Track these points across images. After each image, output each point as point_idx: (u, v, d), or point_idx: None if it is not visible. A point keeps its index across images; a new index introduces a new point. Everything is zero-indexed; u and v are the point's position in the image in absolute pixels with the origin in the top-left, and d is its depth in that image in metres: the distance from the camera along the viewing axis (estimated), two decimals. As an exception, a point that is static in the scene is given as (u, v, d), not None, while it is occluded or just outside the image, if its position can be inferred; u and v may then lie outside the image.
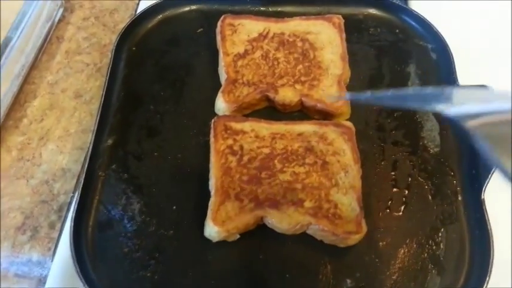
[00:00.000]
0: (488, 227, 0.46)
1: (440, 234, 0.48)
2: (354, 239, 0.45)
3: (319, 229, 0.45)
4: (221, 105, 0.55)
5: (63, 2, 0.69)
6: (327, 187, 0.47)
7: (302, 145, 0.51)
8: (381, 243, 0.47)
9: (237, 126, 0.52)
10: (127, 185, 0.51)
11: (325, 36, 0.60)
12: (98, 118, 0.53)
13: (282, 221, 0.45)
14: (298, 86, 0.56)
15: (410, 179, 0.51)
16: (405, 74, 0.60)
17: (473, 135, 0.25)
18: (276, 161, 0.49)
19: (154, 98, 0.58)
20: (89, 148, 0.51)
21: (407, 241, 0.47)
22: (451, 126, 0.55)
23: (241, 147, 0.50)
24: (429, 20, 0.63)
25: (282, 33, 0.60)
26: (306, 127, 0.52)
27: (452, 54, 0.59)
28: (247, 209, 0.46)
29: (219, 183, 0.47)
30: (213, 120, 0.52)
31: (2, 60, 0.56)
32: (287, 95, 0.55)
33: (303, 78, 0.56)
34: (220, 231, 0.45)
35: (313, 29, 0.61)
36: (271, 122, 0.53)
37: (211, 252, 0.46)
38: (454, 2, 0.69)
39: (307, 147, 0.50)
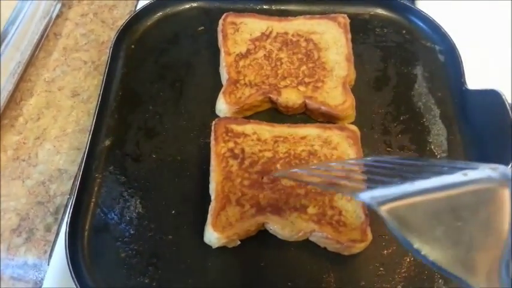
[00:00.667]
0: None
1: (447, 243, 0.46)
2: (359, 247, 0.43)
3: (322, 236, 0.44)
4: (222, 106, 0.53)
5: (61, -3, 0.67)
6: (331, 193, 0.46)
7: (305, 149, 0.49)
8: (385, 251, 0.46)
9: (238, 128, 0.51)
10: (124, 188, 0.49)
11: (330, 36, 0.58)
12: (95, 118, 0.52)
13: (284, 227, 0.44)
14: (301, 88, 0.54)
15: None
16: (412, 76, 0.58)
17: (385, 218, 0.27)
18: (278, 165, 0.48)
19: (153, 98, 0.56)
20: (85, 149, 0.50)
21: (413, 249, 0.46)
22: (459, 132, 0.54)
23: (243, 151, 0.49)
24: (437, 21, 0.61)
25: (286, 33, 0.59)
26: (309, 130, 0.51)
27: (460, 56, 0.57)
28: (248, 214, 0.45)
29: (220, 188, 0.46)
30: (213, 122, 0.51)
31: (-3, 57, 0.54)
32: (290, 96, 0.53)
33: (306, 80, 0.55)
34: (220, 237, 0.43)
35: (317, 29, 0.59)
36: (273, 125, 0.52)
37: (211, 258, 0.45)
38: (462, 3, 0.68)
39: (311, 151, 0.49)
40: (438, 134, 0.54)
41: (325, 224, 0.44)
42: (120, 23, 0.62)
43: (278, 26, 0.59)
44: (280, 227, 0.44)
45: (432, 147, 0.53)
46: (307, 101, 0.53)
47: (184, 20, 0.63)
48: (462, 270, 0.27)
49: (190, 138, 0.53)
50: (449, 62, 0.59)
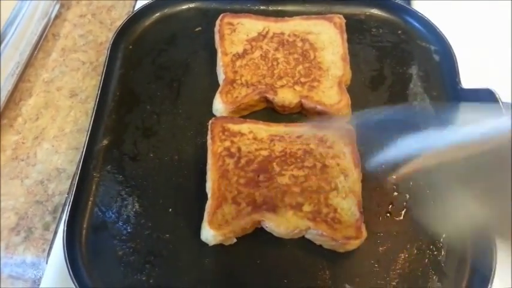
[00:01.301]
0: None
1: (441, 240, 0.47)
2: (354, 244, 0.44)
3: (318, 234, 0.44)
4: (219, 106, 0.54)
5: (60, -2, 0.68)
6: (326, 191, 0.46)
7: (301, 148, 0.50)
8: (380, 248, 0.46)
9: (234, 127, 0.51)
10: (122, 187, 0.50)
11: (326, 36, 0.59)
12: (93, 118, 0.52)
13: (280, 225, 0.44)
14: (297, 87, 0.55)
15: (411, 184, 0.50)
16: (407, 75, 0.59)
17: None
18: (274, 163, 0.48)
19: (151, 98, 0.57)
20: (83, 148, 0.50)
21: (408, 246, 0.46)
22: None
23: (239, 150, 0.49)
24: (432, 21, 0.61)
25: (282, 33, 0.59)
26: (305, 129, 0.51)
27: (455, 56, 0.58)
28: (244, 212, 0.45)
29: (216, 186, 0.47)
30: (210, 122, 0.51)
31: (-4, 58, 0.55)
32: (286, 96, 0.54)
33: (302, 79, 0.55)
34: (217, 235, 0.44)
35: (313, 29, 0.60)
36: (269, 124, 0.52)
37: (208, 256, 0.46)
38: (457, 3, 0.68)
39: (306, 149, 0.49)
40: (433, 133, 0.54)
41: (321, 222, 0.44)
42: (118, 23, 0.62)
43: (274, 26, 0.60)
44: (276, 225, 0.44)
45: (427, 145, 0.53)
46: (303, 100, 0.54)
47: (181, 21, 0.64)
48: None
49: (188, 137, 0.54)
50: (444, 62, 0.59)
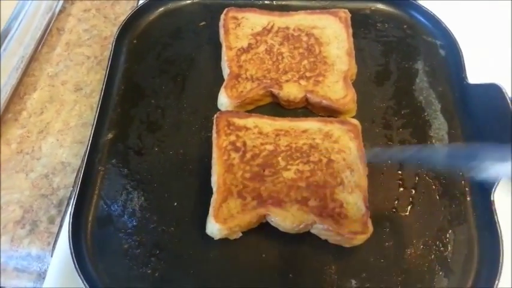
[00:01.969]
0: (498, 228, 0.45)
1: (447, 236, 0.46)
2: (360, 239, 0.44)
3: (323, 228, 0.44)
4: (224, 100, 0.54)
5: (64, -8, 0.68)
6: (332, 186, 0.46)
7: (306, 142, 0.49)
8: (386, 244, 0.46)
9: (240, 122, 0.51)
10: (127, 180, 0.50)
11: (331, 31, 0.58)
12: (98, 112, 0.52)
13: (285, 219, 0.44)
14: (303, 82, 0.54)
15: (417, 179, 0.50)
16: (413, 70, 0.59)
17: None
18: (279, 158, 0.48)
19: (156, 92, 0.57)
20: (88, 142, 0.50)
21: (414, 242, 0.46)
22: (460, 126, 0.54)
23: (244, 144, 0.49)
24: (438, 16, 0.61)
25: (287, 28, 0.59)
26: (310, 124, 0.51)
27: (461, 51, 0.58)
28: (249, 206, 0.45)
29: (221, 180, 0.46)
30: (215, 116, 0.51)
31: (0, 52, 0.55)
32: (291, 91, 0.53)
33: (308, 74, 0.55)
34: (222, 229, 0.44)
35: (318, 24, 0.59)
36: (275, 118, 0.52)
37: (213, 250, 0.45)
38: (463, -2, 0.68)
39: (312, 144, 0.49)
40: (439, 128, 0.54)
41: (326, 216, 0.44)
42: (123, 18, 0.62)
43: (279, 20, 0.60)
44: (281, 219, 0.44)
45: (433, 141, 0.53)
46: (308, 95, 0.53)
47: (186, 15, 0.63)
48: None
49: (193, 131, 0.53)
50: (450, 57, 0.59)
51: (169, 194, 0.49)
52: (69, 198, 0.53)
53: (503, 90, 0.50)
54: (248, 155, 0.48)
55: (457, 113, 0.55)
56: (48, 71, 0.64)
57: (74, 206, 0.46)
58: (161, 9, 0.64)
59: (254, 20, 0.60)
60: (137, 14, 0.62)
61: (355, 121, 0.52)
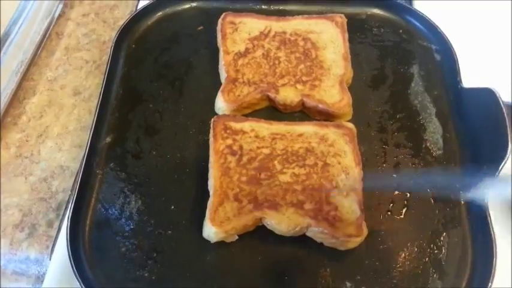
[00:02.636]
0: (492, 231, 0.45)
1: (442, 238, 0.47)
2: (354, 242, 0.44)
3: (318, 231, 0.44)
4: (221, 104, 0.54)
5: (63, -3, 0.68)
6: (328, 189, 0.47)
7: (302, 146, 0.50)
8: (381, 247, 0.46)
9: (236, 126, 0.51)
10: (125, 184, 0.50)
11: (328, 35, 0.59)
12: (96, 116, 0.53)
13: (281, 222, 0.45)
14: (299, 86, 0.55)
15: (412, 182, 0.50)
16: (408, 75, 0.59)
17: None
18: (276, 161, 0.49)
19: (154, 96, 0.57)
20: (86, 146, 0.51)
21: (409, 245, 0.47)
22: (454, 129, 0.54)
23: (241, 147, 0.50)
24: (433, 21, 0.62)
25: (284, 32, 0.60)
26: (306, 128, 0.52)
27: (456, 56, 0.58)
28: (246, 210, 0.45)
29: (218, 184, 0.47)
30: (212, 120, 0.52)
31: (0, 56, 0.55)
32: (288, 95, 0.54)
33: (304, 78, 0.55)
34: (219, 232, 0.44)
35: (315, 28, 0.60)
36: (271, 122, 0.52)
37: (210, 253, 0.46)
38: (458, 3, 0.68)
39: (308, 148, 0.50)
40: (434, 132, 0.55)
41: (322, 220, 0.44)
42: (121, 22, 0.63)
43: (276, 25, 0.60)
44: (277, 222, 0.45)
45: (428, 144, 0.54)
46: (304, 99, 0.54)
47: (184, 20, 0.64)
48: None
49: (190, 135, 0.54)
50: (445, 61, 0.59)
51: (167, 197, 0.49)
52: (68, 201, 0.53)
53: (497, 95, 0.50)
54: (244, 159, 0.49)
55: (452, 117, 0.55)
56: (47, 75, 0.64)
57: (72, 209, 0.47)
58: (159, 13, 0.64)
59: (251, 25, 0.60)
60: (135, 19, 0.62)
61: (351, 125, 0.52)
